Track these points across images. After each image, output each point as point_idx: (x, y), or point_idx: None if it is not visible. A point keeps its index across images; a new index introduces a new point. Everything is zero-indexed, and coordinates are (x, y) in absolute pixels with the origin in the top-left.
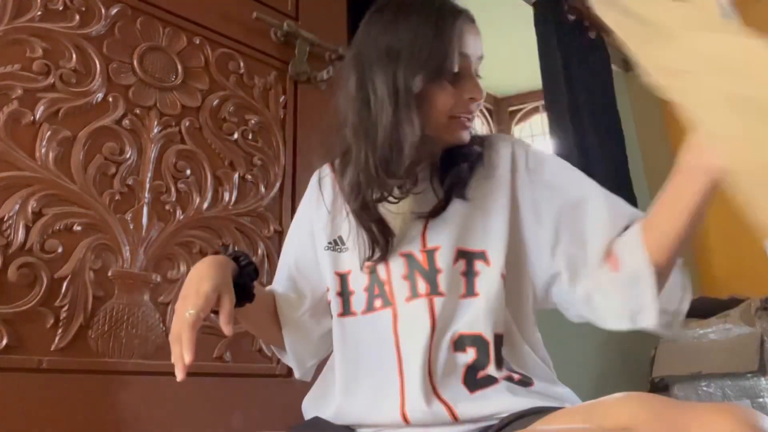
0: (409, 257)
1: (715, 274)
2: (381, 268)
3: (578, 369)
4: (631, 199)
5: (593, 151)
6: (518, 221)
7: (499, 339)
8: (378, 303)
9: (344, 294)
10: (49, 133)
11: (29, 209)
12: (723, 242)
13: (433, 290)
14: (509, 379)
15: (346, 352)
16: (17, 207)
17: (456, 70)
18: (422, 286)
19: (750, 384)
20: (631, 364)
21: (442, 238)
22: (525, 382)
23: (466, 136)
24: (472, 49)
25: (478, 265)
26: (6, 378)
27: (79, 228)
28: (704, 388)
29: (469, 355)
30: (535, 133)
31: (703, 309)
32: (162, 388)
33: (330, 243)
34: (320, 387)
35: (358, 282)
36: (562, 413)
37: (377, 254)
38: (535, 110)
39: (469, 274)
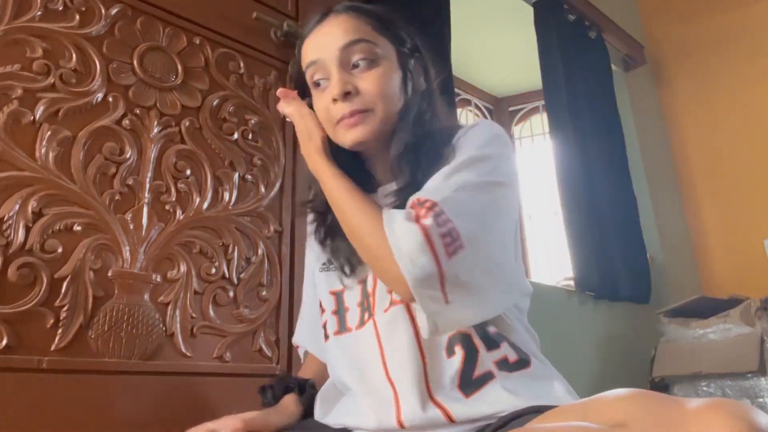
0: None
1: (715, 274)
2: (369, 281)
3: (578, 369)
4: (631, 199)
5: (593, 151)
6: None
7: (479, 325)
8: (366, 316)
9: (340, 312)
10: (49, 133)
11: (29, 209)
12: (723, 242)
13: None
14: (504, 362)
15: (342, 369)
16: (17, 207)
17: (314, 79)
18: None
19: (750, 384)
20: (631, 364)
21: None
22: (521, 361)
23: (354, 135)
24: (317, 53)
25: None
26: (6, 378)
27: (79, 228)
28: (704, 388)
29: (458, 355)
30: (535, 133)
31: (703, 309)
32: (161, 388)
33: (324, 264)
34: (323, 397)
35: (352, 298)
36: (557, 411)
37: (348, 276)
38: (535, 110)
39: None
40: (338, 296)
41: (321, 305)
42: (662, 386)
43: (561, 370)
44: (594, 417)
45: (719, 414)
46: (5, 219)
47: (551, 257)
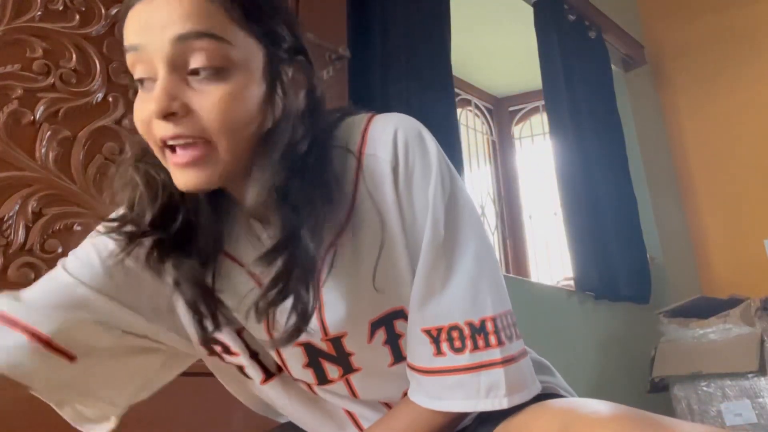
0: (307, 347)
1: (715, 274)
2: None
3: (578, 369)
4: (631, 199)
5: (593, 151)
6: (413, 256)
7: None
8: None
9: (253, 355)
10: (49, 133)
11: (29, 209)
12: (723, 242)
13: (347, 370)
14: None
15: (283, 403)
16: (17, 207)
17: (135, 74)
18: (333, 370)
19: (750, 384)
20: (631, 364)
21: (347, 321)
22: None
23: (186, 180)
24: (140, 36)
25: (399, 325)
26: (6, 378)
27: (79, 228)
28: (704, 388)
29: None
30: (535, 133)
31: (703, 309)
32: (162, 387)
33: None
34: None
35: (258, 337)
36: (541, 412)
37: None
38: (535, 110)
39: (392, 341)
40: (240, 336)
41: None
42: (662, 386)
43: (561, 369)
44: None
45: None
46: (5, 219)
47: (551, 257)
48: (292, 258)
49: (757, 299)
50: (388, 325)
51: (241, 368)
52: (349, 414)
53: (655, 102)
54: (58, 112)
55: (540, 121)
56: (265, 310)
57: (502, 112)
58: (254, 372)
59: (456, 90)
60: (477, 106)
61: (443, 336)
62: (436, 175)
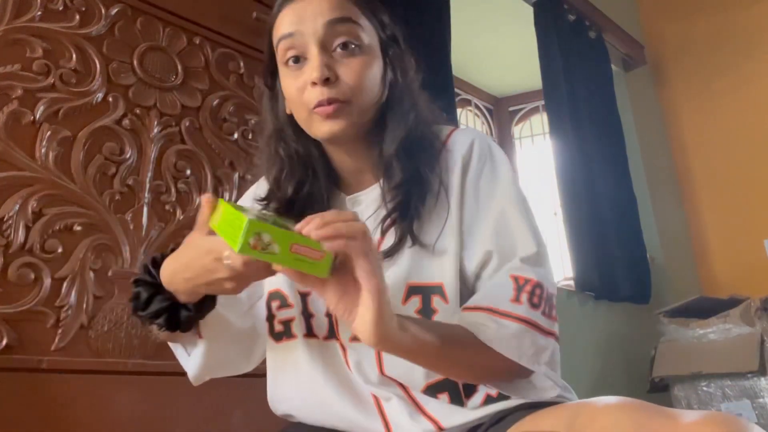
0: None
1: (715, 274)
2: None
3: (578, 369)
4: (631, 199)
5: (593, 150)
6: (462, 246)
7: None
8: (334, 330)
9: (306, 314)
10: (49, 133)
11: (29, 209)
12: (723, 242)
13: None
14: (488, 398)
15: (317, 374)
16: (17, 207)
17: (287, 56)
18: None
19: (750, 384)
20: (631, 364)
21: (389, 273)
22: (504, 396)
23: (330, 127)
24: (295, 25)
25: (436, 301)
26: (6, 378)
27: (79, 228)
28: (704, 388)
29: (443, 401)
30: (535, 133)
31: (703, 309)
32: (162, 388)
33: None
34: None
35: (319, 305)
36: (548, 412)
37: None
38: (535, 110)
39: (426, 313)
40: (303, 298)
41: (272, 297)
42: (662, 386)
43: (561, 369)
44: (582, 426)
45: (713, 429)
46: (5, 219)
47: (551, 257)
48: (411, 191)
49: (757, 299)
50: (425, 297)
51: (288, 325)
52: (375, 399)
53: (655, 102)
54: (58, 112)
55: (540, 121)
56: (390, 226)
57: (502, 112)
58: (300, 327)
59: (456, 90)
60: (477, 106)
61: (527, 287)
62: (504, 177)
